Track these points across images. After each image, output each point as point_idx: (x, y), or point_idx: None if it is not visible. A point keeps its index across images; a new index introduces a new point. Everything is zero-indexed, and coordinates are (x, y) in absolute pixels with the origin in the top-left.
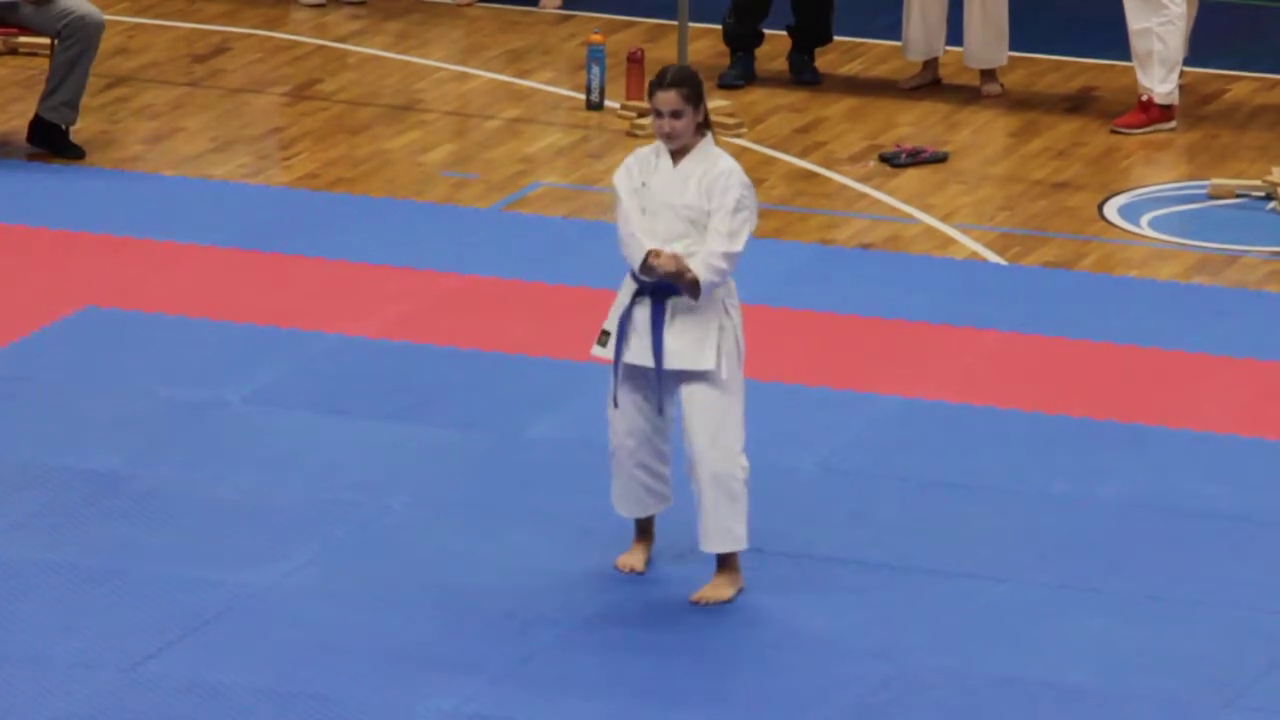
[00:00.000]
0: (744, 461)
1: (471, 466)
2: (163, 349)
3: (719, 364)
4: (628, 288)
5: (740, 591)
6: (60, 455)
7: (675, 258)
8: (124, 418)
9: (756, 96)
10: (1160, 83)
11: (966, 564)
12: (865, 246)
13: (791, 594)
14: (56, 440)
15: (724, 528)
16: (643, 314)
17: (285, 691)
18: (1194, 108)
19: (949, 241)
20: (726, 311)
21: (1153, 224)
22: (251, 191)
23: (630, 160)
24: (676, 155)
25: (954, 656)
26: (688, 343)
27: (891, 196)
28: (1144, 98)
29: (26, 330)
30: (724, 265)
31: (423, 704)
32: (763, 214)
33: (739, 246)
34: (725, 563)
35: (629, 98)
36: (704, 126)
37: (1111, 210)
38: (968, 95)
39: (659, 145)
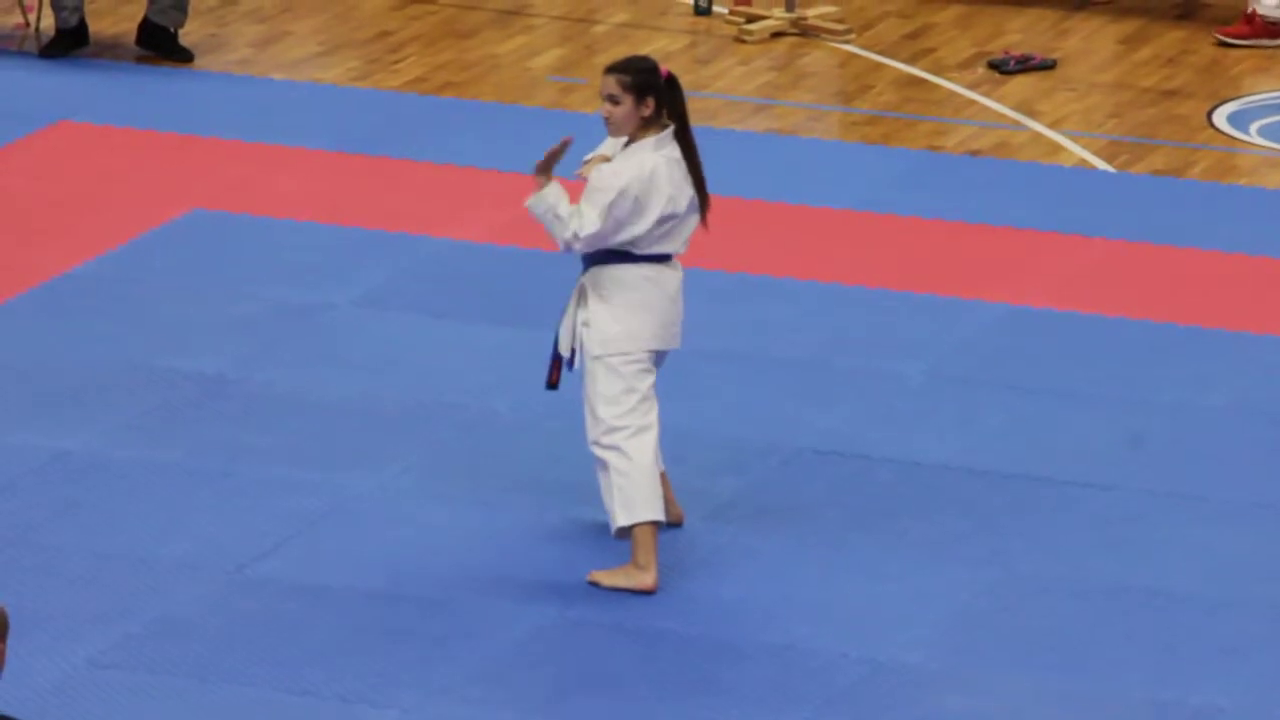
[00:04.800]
0: None
1: (576, 370)
2: (270, 252)
3: None
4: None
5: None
6: (168, 357)
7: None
8: (231, 320)
9: (865, 2)
10: None
11: (1073, 471)
12: (973, 153)
13: (898, 500)
14: (164, 342)
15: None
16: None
17: (391, 594)
18: None
19: (1057, 148)
20: None
21: (1262, 132)
22: (359, 95)
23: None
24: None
25: (1061, 563)
26: None
27: (1000, 103)
28: (1249, 10)
29: (135, 233)
30: (565, 216)
31: (528, 609)
32: (871, 120)
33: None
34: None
35: (737, 3)
36: (650, 124)
37: (1220, 118)
38: (1077, 2)
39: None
